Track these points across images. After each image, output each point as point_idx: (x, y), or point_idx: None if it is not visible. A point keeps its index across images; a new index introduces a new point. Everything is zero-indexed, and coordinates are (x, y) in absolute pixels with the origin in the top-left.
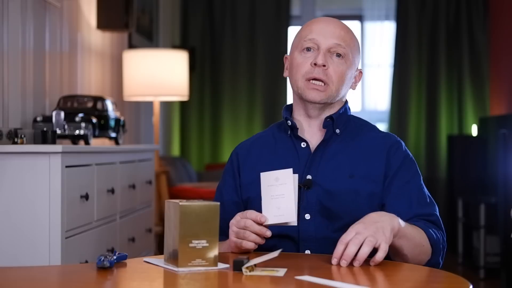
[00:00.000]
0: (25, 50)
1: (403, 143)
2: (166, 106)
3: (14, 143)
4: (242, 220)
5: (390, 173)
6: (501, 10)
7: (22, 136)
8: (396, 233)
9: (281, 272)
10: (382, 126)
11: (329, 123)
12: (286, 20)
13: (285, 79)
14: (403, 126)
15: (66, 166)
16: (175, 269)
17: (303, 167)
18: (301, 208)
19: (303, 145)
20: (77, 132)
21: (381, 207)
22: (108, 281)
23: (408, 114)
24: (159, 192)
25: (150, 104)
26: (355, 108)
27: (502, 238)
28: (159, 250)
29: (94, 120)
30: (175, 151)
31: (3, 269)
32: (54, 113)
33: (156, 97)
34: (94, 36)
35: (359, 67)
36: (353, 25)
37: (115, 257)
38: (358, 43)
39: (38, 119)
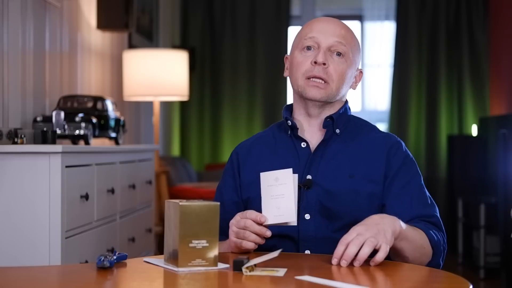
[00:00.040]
0: (25, 50)
1: (403, 144)
2: (166, 106)
3: (14, 143)
4: (242, 220)
5: (390, 174)
6: (501, 10)
7: (22, 136)
8: (397, 236)
9: (281, 272)
10: (382, 126)
11: (329, 123)
12: (286, 20)
13: (285, 79)
14: (403, 126)
15: (66, 166)
16: (175, 269)
17: (303, 167)
18: (301, 208)
19: (303, 145)
20: (77, 132)
21: (381, 208)
22: (108, 281)
23: (408, 114)
24: (159, 192)
25: (150, 104)
26: (355, 108)
27: (502, 238)
28: (159, 250)
29: (94, 120)
30: (175, 151)
31: (3, 269)
32: (54, 113)
33: (156, 97)
34: (94, 36)
35: (360, 67)
36: (353, 25)
37: (115, 257)
38: (358, 43)
39: (38, 119)
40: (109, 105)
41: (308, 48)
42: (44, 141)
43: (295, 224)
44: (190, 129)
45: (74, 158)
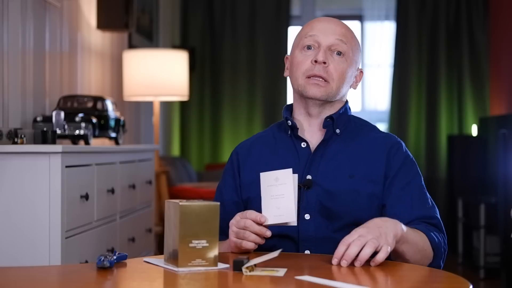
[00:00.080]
0: (25, 50)
1: (403, 144)
2: (166, 106)
3: (14, 143)
4: (242, 220)
5: (390, 174)
6: (501, 10)
7: (22, 136)
8: (398, 239)
9: (281, 272)
10: (382, 126)
11: (329, 123)
12: (286, 20)
13: (285, 79)
14: (403, 126)
15: (66, 166)
16: (175, 269)
17: (303, 167)
18: (301, 208)
19: (303, 145)
20: (77, 132)
21: (381, 208)
22: (108, 281)
23: (408, 114)
24: (159, 192)
25: (150, 104)
26: (355, 108)
27: (502, 238)
28: (159, 250)
29: (94, 120)
30: (175, 151)
31: (3, 269)
32: (54, 113)
33: (156, 97)
34: (94, 36)
35: (360, 67)
36: (353, 25)
37: (115, 257)
38: (358, 42)
39: (38, 119)
40: (109, 105)
41: (309, 47)
42: (44, 141)
43: (295, 224)
44: (190, 129)
45: (74, 158)
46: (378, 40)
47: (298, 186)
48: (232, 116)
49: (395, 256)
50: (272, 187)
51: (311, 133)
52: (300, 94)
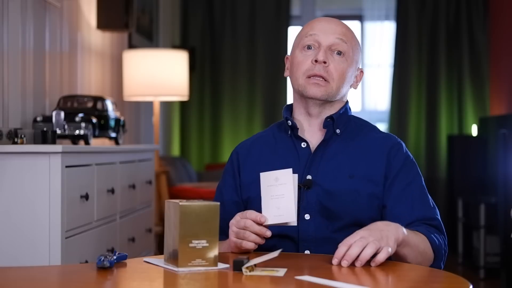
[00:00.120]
0: (25, 50)
1: (403, 144)
2: (166, 106)
3: (14, 143)
4: (242, 220)
5: (390, 175)
6: (501, 10)
7: (22, 136)
8: (400, 243)
9: (281, 272)
10: (382, 126)
11: (330, 123)
12: (286, 20)
13: (285, 79)
14: (403, 126)
15: (66, 166)
16: (175, 269)
17: (303, 167)
18: (301, 208)
19: (303, 145)
20: (77, 132)
21: (382, 209)
22: (108, 281)
23: (408, 114)
24: (159, 192)
25: (150, 104)
26: (355, 108)
27: (502, 238)
28: (159, 250)
29: (94, 120)
30: (175, 151)
31: (3, 269)
32: (54, 113)
33: (156, 97)
34: (94, 36)
35: (360, 67)
36: (353, 25)
37: (115, 257)
38: (359, 42)
39: (38, 119)
40: (109, 105)
41: (309, 47)
42: (44, 141)
43: (295, 224)
44: (190, 129)
45: (74, 158)
46: (378, 40)
47: (298, 186)
48: (232, 116)
49: (397, 259)
50: (272, 187)
51: (311, 133)
52: (300, 94)
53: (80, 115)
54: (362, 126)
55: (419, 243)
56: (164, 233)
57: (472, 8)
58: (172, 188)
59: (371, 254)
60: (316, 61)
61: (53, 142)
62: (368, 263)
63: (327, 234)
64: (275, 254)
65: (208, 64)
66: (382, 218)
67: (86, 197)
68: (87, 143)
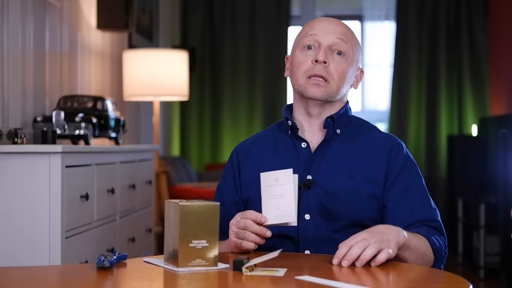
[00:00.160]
0: (25, 50)
1: (404, 145)
2: (166, 106)
3: (14, 143)
4: (242, 220)
5: (391, 176)
6: (501, 10)
7: (22, 136)
8: (401, 246)
9: (281, 272)
10: (382, 126)
11: (330, 123)
12: (286, 20)
13: (285, 79)
14: (403, 126)
15: (66, 166)
16: (175, 269)
17: (303, 167)
18: (301, 208)
19: (303, 145)
20: (77, 132)
21: (382, 209)
22: (108, 281)
23: (408, 114)
24: (159, 192)
25: (150, 104)
26: (355, 108)
27: (502, 238)
28: (159, 250)
29: (94, 120)
30: (175, 151)
31: (3, 269)
32: (54, 113)
33: (156, 97)
34: (94, 36)
35: (360, 66)
36: (353, 25)
37: (115, 257)
38: (359, 42)
39: (38, 119)
40: (109, 105)
41: (309, 47)
42: (44, 141)
43: (295, 224)
44: (190, 129)
45: (74, 158)
46: (378, 40)
47: (298, 186)
48: (232, 116)
49: (397, 261)
50: (272, 187)
51: (312, 133)
52: (300, 94)
53: (80, 115)
54: (362, 126)
55: (419, 246)
56: (164, 233)
57: (472, 8)
58: (172, 188)
59: (372, 255)
60: (316, 61)
61: (53, 142)
62: (368, 263)
63: (327, 234)
64: (275, 254)
65: (208, 64)
66: (382, 218)
67: (86, 197)
68: (87, 143)
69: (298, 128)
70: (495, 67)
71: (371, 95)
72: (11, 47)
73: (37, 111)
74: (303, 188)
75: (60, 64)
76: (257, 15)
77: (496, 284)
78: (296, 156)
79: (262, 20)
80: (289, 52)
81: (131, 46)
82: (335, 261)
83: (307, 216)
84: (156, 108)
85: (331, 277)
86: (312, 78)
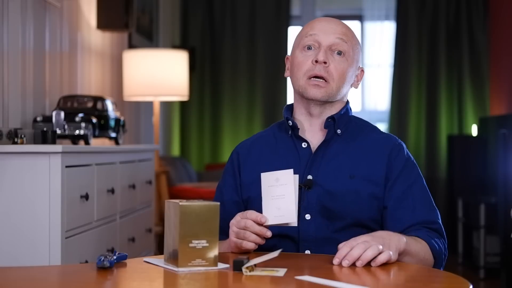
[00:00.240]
0: (25, 50)
1: (404, 146)
2: (166, 106)
3: (14, 143)
4: (242, 221)
5: (391, 177)
6: (501, 10)
7: (22, 136)
8: (401, 252)
9: (281, 272)
10: (382, 126)
11: (331, 124)
12: (286, 20)
13: (285, 79)
14: (403, 126)
15: (66, 166)
16: (175, 269)
17: (304, 167)
18: (302, 208)
19: (304, 145)
20: (77, 132)
21: (382, 210)
22: (108, 281)
23: (408, 114)
24: (159, 192)
25: (150, 104)
26: (355, 108)
27: (502, 238)
28: (159, 250)
29: (94, 120)
30: (175, 151)
31: (3, 269)
32: (54, 113)
33: (156, 97)
34: (94, 36)
35: (361, 66)
36: (353, 25)
37: (115, 257)
38: (359, 41)
39: (38, 119)
40: (109, 105)
41: (309, 47)
42: (44, 141)
43: (295, 225)
44: (190, 129)
45: (74, 158)
46: (378, 40)
47: (299, 186)
48: (232, 116)
49: None
50: (272, 188)
51: (312, 133)
52: (300, 95)
53: (80, 115)
54: (363, 127)
55: (419, 251)
56: (164, 233)
57: (472, 8)
58: (172, 188)
59: (373, 256)
60: (316, 61)
61: (53, 142)
62: (368, 264)
63: (327, 234)
64: (275, 254)
65: (208, 64)
66: (382, 219)
67: (86, 197)
68: (87, 143)
69: (298, 128)
70: (495, 67)
71: (371, 95)
72: (11, 47)
73: (37, 111)
74: (304, 188)
75: (60, 64)
76: (257, 15)
77: (496, 284)
78: (296, 156)
79: (262, 20)
80: (289, 52)
81: (131, 46)
82: (336, 261)
83: (307, 216)
84: (156, 108)
85: (332, 277)
86: (312, 79)
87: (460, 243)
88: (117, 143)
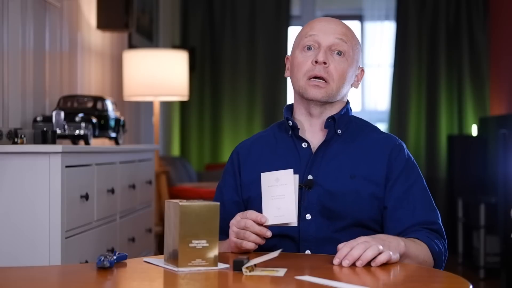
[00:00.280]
0: (25, 50)
1: (404, 146)
2: (166, 106)
3: (14, 143)
4: (242, 221)
5: (392, 177)
6: (501, 10)
7: (22, 136)
8: (400, 255)
9: (281, 272)
10: (382, 126)
11: (331, 124)
12: (286, 20)
13: (285, 79)
14: (403, 126)
15: (66, 166)
16: (175, 269)
17: (304, 167)
18: (302, 208)
19: (304, 145)
20: (77, 132)
21: (383, 210)
22: (108, 281)
23: (408, 114)
24: (159, 192)
25: (150, 104)
26: (355, 108)
27: (502, 238)
28: (159, 250)
29: (94, 120)
30: (175, 151)
31: (3, 269)
32: (54, 113)
33: (156, 97)
34: (94, 36)
35: (361, 65)
36: (353, 25)
37: (115, 257)
38: (359, 41)
39: (38, 119)
40: (109, 105)
41: (309, 48)
42: (44, 141)
43: (295, 225)
44: (190, 129)
45: (74, 158)
46: (378, 40)
47: (299, 186)
48: (232, 116)
49: None
50: (272, 188)
51: (312, 133)
52: (301, 95)
53: (80, 115)
54: (363, 127)
55: (419, 254)
56: (164, 233)
57: (472, 8)
58: (172, 188)
59: (373, 256)
60: (316, 62)
61: (53, 142)
62: (368, 264)
63: (328, 234)
64: (275, 254)
65: (208, 64)
66: (382, 219)
67: (86, 197)
68: (87, 143)
69: (299, 128)
70: (495, 67)
71: (371, 95)
72: (11, 47)
73: (37, 111)
74: (304, 188)
75: (60, 64)
76: (257, 15)
77: (496, 284)
78: (297, 156)
79: (262, 20)
80: (289, 52)
81: (131, 46)
82: (336, 261)
83: (308, 216)
84: (156, 108)
85: (332, 277)
86: (312, 79)
87: (460, 243)
88: (117, 143)
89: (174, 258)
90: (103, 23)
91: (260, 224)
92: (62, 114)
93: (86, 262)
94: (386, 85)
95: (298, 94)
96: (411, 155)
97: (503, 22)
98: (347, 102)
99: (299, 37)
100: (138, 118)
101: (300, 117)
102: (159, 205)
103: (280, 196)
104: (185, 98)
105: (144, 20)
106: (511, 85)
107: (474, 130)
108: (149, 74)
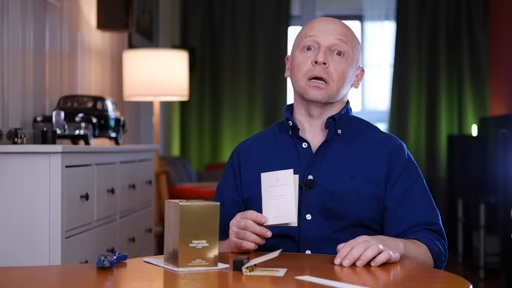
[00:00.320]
0: (25, 50)
1: (405, 146)
2: (166, 106)
3: (14, 143)
4: (242, 221)
5: (392, 177)
6: (501, 10)
7: (22, 136)
8: (400, 256)
9: (281, 272)
10: (382, 126)
11: (331, 124)
12: (286, 20)
13: (285, 79)
14: (403, 126)
15: (66, 166)
16: (175, 269)
17: (305, 167)
18: (302, 208)
19: (304, 145)
20: (77, 132)
21: (383, 210)
22: (108, 281)
23: (408, 114)
24: (159, 192)
25: (150, 104)
26: (355, 108)
27: (502, 238)
28: (159, 250)
29: (94, 120)
30: (175, 151)
31: (3, 269)
32: (54, 113)
33: (156, 97)
34: (94, 36)
35: (361, 65)
36: (353, 25)
37: (115, 257)
38: (359, 41)
39: (38, 119)
40: (109, 105)
41: (308, 48)
42: (44, 141)
43: (295, 225)
44: (190, 129)
45: (74, 158)
46: (378, 40)
47: (300, 186)
48: (232, 116)
49: None
50: (272, 188)
51: (312, 133)
52: (301, 96)
53: (80, 115)
54: (363, 127)
55: (418, 255)
56: (164, 233)
57: (472, 8)
58: (172, 188)
59: (373, 255)
60: (316, 62)
61: (53, 142)
62: (368, 264)
63: (328, 234)
64: (275, 254)
65: (208, 64)
66: (383, 219)
67: (86, 197)
68: (87, 143)
69: (299, 128)
70: (495, 67)
71: (371, 95)
72: (11, 47)
73: (37, 111)
74: (305, 188)
75: (60, 64)
76: (257, 15)
77: (496, 284)
78: (297, 156)
79: (262, 20)
80: (289, 52)
81: (131, 46)
82: (337, 260)
83: (308, 216)
84: (156, 108)
85: (332, 277)
86: (312, 80)
87: (460, 243)
88: (117, 143)
89: (174, 258)
90: (103, 23)
91: (260, 224)
92: (62, 114)
93: (86, 262)
94: (386, 85)
95: (298, 94)
96: (411, 155)
97: (503, 22)
98: (347, 102)
99: (299, 37)
100: (138, 118)
101: (300, 117)
102: (159, 205)
103: (280, 196)
104: (185, 98)
105: (144, 20)
106: (511, 85)
107: (474, 130)
108: (149, 74)
